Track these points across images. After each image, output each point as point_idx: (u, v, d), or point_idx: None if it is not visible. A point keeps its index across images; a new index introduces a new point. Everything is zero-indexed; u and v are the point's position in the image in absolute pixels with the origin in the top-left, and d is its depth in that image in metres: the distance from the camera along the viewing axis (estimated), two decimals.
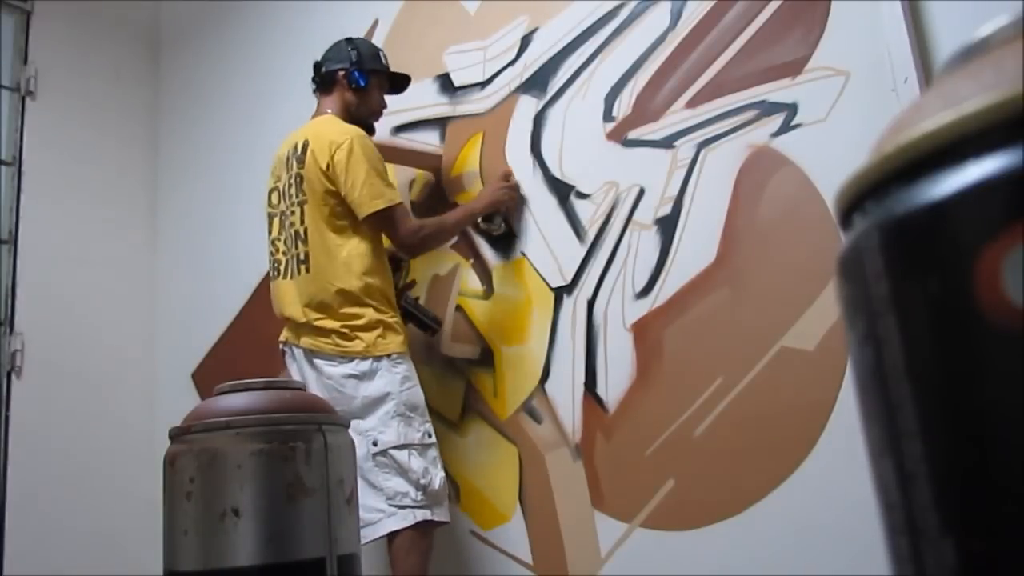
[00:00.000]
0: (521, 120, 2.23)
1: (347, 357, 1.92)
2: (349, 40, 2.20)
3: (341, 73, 2.14)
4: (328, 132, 2.03)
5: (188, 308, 3.11)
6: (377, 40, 2.62)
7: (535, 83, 2.22)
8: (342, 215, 1.98)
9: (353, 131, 2.02)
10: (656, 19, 2.00)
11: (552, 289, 2.10)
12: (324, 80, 2.18)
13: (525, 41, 2.27)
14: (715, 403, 1.78)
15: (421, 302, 2.28)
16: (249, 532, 1.14)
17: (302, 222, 2.03)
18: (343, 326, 1.93)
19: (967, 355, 0.28)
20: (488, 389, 2.20)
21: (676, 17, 1.96)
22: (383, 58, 2.22)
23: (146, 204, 3.31)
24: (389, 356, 1.93)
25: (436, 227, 2.11)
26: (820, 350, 1.64)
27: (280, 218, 2.10)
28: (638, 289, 1.94)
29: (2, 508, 2.65)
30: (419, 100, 2.45)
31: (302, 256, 2.02)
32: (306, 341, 1.98)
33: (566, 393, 2.04)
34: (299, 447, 1.20)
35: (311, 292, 1.98)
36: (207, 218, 3.12)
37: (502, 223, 2.19)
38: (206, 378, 2.94)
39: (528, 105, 2.23)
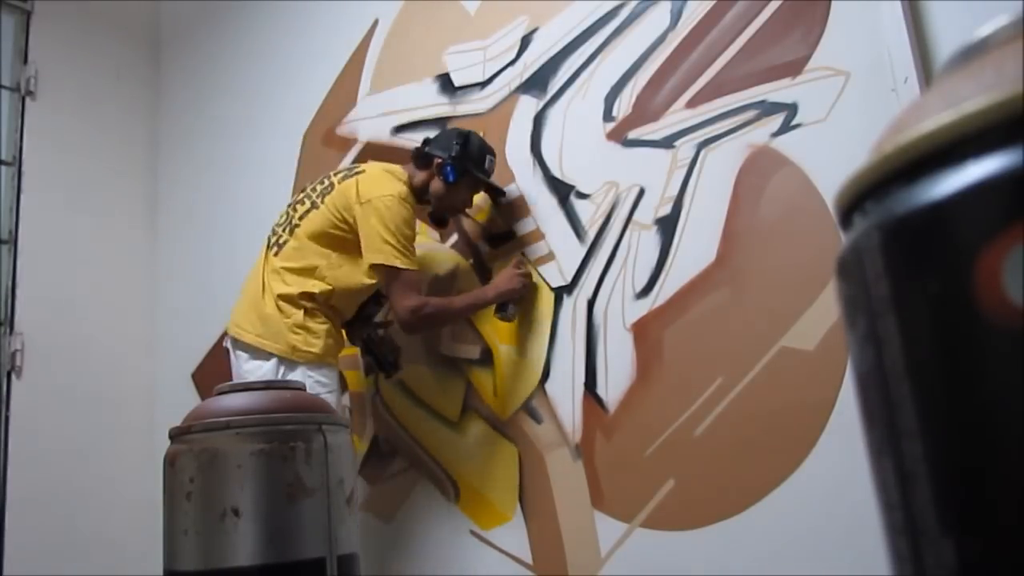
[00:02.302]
0: (521, 120, 2.23)
1: (266, 354, 1.97)
2: (463, 134, 2.11)
3: (437, 161, 2.09)
4: (382, 179, 2.05)
5: (188, 308, 3.11)
6: (377, 40, 2.62)
7: (535, 83, 2.22)
8: (344, 238, 2.02)
9: (402, 190, 2.02)
10: (656, 19, 2.00)
11: (552, 289, 2.10)
12: (421, 158, 2.13)
13: (525, 41, 2.27)
14: (715, 403, 1.78)
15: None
16: (249, 532, 1.14)
17: (301, 218, 2.08)
18: (271, 321, 1.98)
19: (967, 355, 0.28)
20: (488, 389, 2.20)
21: (676, 17, 1.96)
22: (488, 164, 2.14)
23: (146, 204, 3.30)
24: (308, 363, 1.96)
25: (440, 308, 2.05)
26: (820, 350, 1.64)
27: (291, 206, 2.17)
28: (638, 289, 1.94)
29: (2, 508, 2.65)
30: (419, 100, 2.45)
31: (282, 242, 2.09)
32: (235, 331, 2.04)
33: (566, 393, 2.04)
34: (299, 447, 1.20)
35: (266, 276, 2.05)
36: (207, 218, 3.12)
37: (516, 312, 2.11)
38: (206, 378, 2.94)
39: (528, 105, 2.23)
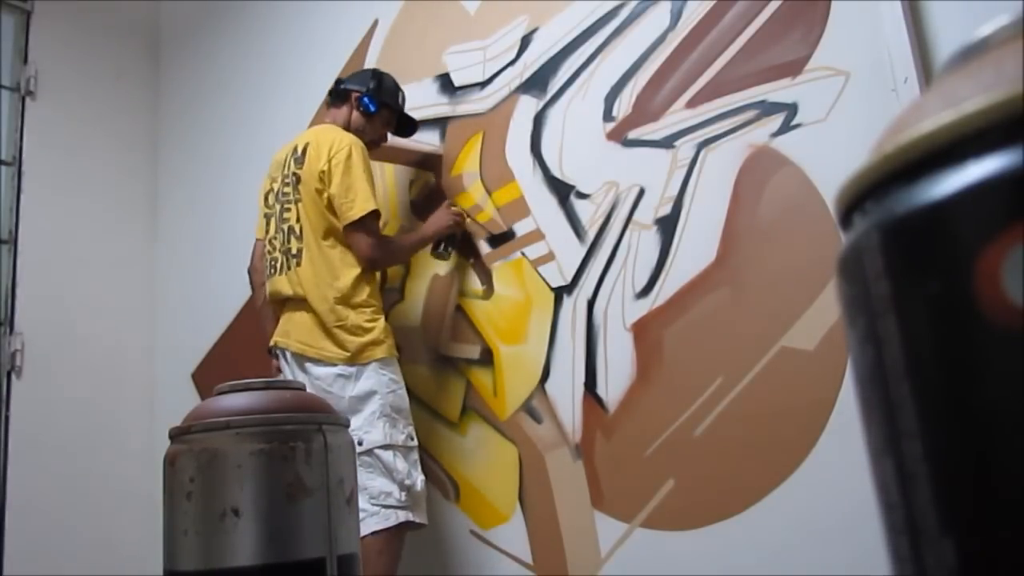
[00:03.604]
0: (521, 120, 2.23)
1: (333, 363, 1.96)
2: (376, 71, 2.28)
3: (355, 94, 2.21)
4: (330, 136, 2.09)
5: (188, 308, 3.11)
6: (377, 40, 2.62)
7: (535, 83, 2.22)
8: (334, 217, 2.03)
9: (353, 139, 2.08)
10: (656, 19, 2.00)
11: (552, 289, 2.10)
12: (338, 95, 2.25)
13: (525, 41, 2.27)
14: (715, 403, 1.78)
15: (422, 300, 2.29)
16: (249, 532, 1.14)
17: (297, 220, 2.08)
18: (329, 328, 1.97)
19: (967, 355, 0.28)
20: (488, 389, 2.20)
21: (676, 17, 1.96)
22: (401, 99, 2.28)
23: (146, 204, 3.31)
24: (376, 361, 1.97)
25: (397, 245, 2.21)
26: (820, 350, 1.64)
27: (275, 218, 2.15)
28: (638, 289, 1.94)
29: (2, 508, 2.65)
30: (419, 100, 2.45)
31: (294, 251, 2.07)
32: (296, 344, 2.02)
33: (566, 393, 2.04)
34: (299, 447, 1.20)
35: (304, 287, 2.03)
36: (207, 218, 3.12)
37: (450, 251, 2.23)
38: (206, 378, 2.94)
39: (528, 105, 2.23)
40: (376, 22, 2.64)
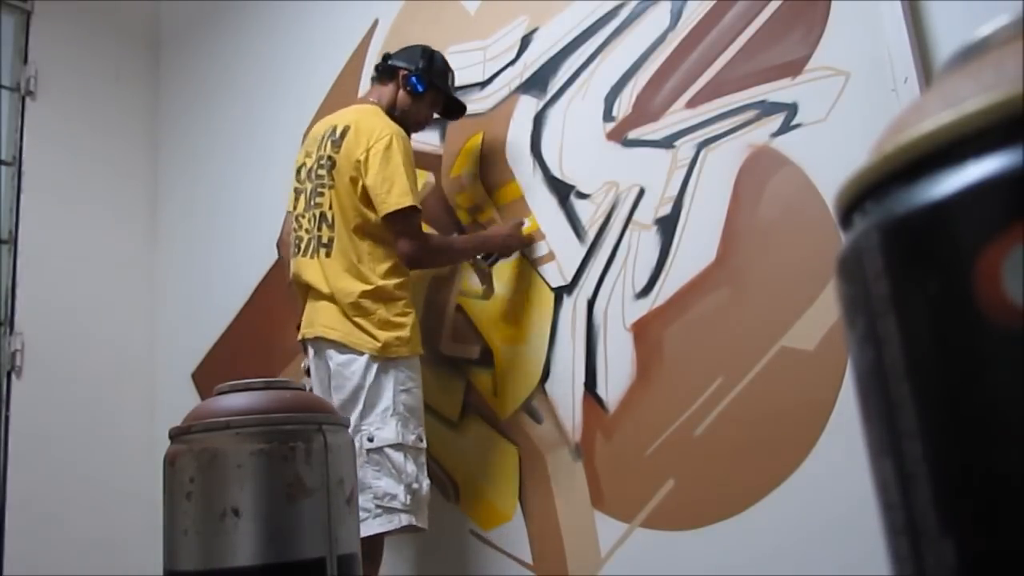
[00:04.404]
0: (521, 120, 2.23)
1: (358, 351, 1.90)
2: (428, 49, 2.17)
3: (403, 72, 2.12)
4: (371, 123, 2.00)
5: (188, 308, 3.11)
6: (377, 40, 2.62)
7: (535, 83, 2.22)
8: (368, 209, 1.95)
9: (395, 128, 2.00)
10: (656, 19, 2.00)
11: (552, 289, 2.10)
12: (384, 71, 2.15)
13: (525, 41, 2.27)
14: (715, 403, 1.78)
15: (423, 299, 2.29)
16: (249, 532, 1.14)
17: (329, 207, 2.00)
18: (356, 319, 1.91)
19: (967, 355, 0.28)
20: (488, 389, 2.20)
21: (676, 17, 1.96)
22: (451, 79, 2.20)
23: (146, 204, 3.31)
24: (401, 357, 1.92)
25: (444, 244, 2.13)
26: (820, 350, 1.64)
27: (306, 196, 2.07)
28: (638, 289, 1.94)
29: (2, 508, 2.65)
30: None
31: (325, 240, 1.99)
32: (320, 329, 1.95)
33: (566, 393, 2.04)
34: (299, 447, 1.20)
35: (331, 278, 1.96)
36: (207, 218, 3.12)
37: (491, 266, 2.17)
38: (206, 378, 2.94)
39: (528, 105, 2.23)
40: (376, 22, 2.64)
